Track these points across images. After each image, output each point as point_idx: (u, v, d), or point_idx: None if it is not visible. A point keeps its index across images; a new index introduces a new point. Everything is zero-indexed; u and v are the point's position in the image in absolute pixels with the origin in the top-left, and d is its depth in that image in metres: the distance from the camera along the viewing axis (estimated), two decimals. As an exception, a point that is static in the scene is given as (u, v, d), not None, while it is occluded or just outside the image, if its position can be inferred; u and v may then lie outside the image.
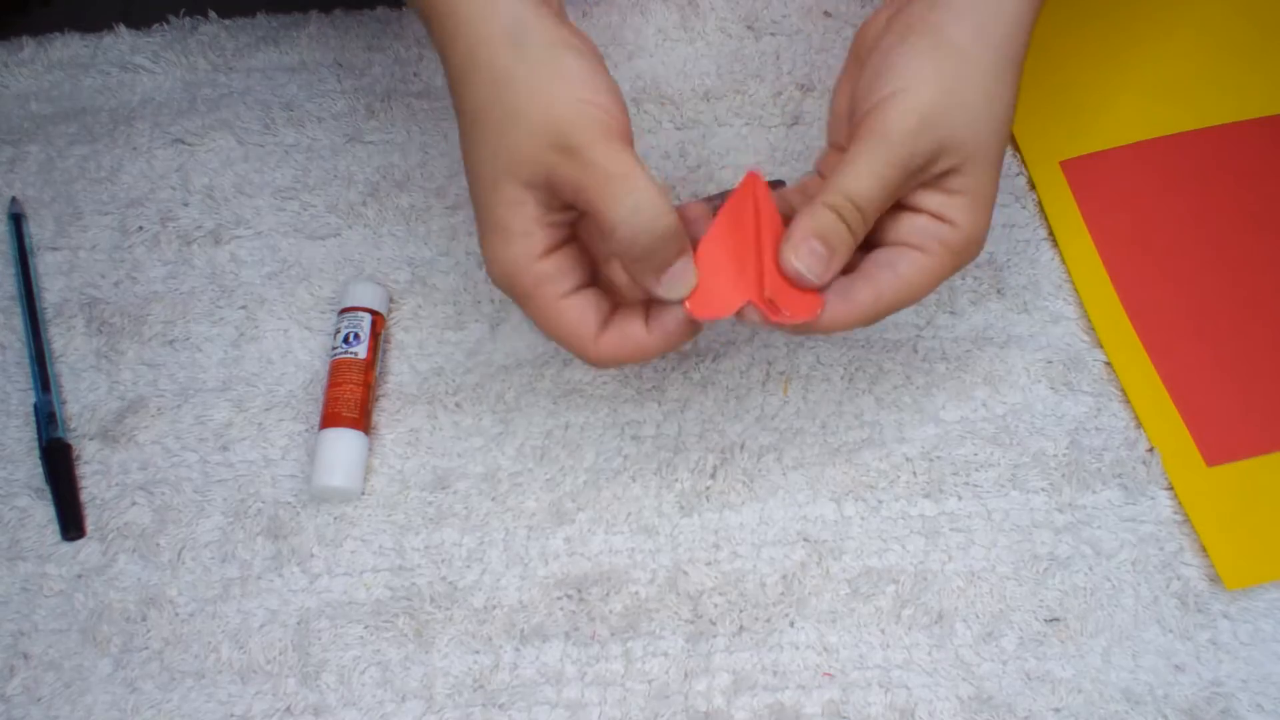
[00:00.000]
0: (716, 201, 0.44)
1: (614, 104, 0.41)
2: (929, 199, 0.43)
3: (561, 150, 0.40)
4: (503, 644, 0.49)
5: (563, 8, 0.44)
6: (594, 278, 0.44)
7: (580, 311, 0.42)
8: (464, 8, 0.41)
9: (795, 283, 0.42)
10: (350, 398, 0.52)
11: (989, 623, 0.48)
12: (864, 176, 0.41)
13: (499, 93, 0.41)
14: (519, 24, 0.41)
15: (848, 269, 0.43)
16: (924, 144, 0.41)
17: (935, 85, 0.41)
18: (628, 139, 0.41)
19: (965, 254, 0.43)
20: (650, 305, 0.43)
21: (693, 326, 0.42)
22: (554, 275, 0.42)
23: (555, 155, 0.40)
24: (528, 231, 0.41)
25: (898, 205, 0.43)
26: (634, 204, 0.39)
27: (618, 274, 0.43)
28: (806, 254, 0.41)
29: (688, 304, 0.42)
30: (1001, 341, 0.54)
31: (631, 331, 0.42)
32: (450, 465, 0.52)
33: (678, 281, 0.41)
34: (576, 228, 0.44)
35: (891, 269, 0.42)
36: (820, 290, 0.42)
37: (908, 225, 0.43)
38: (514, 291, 0.42)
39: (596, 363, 0.43)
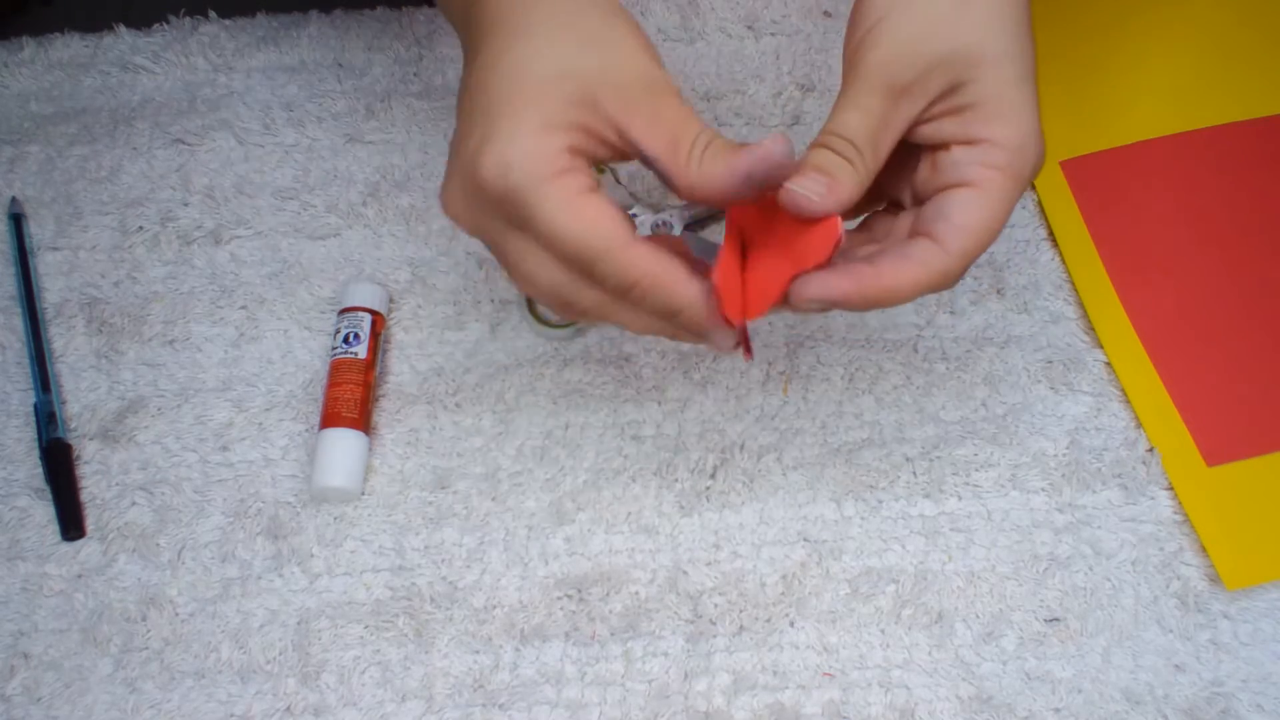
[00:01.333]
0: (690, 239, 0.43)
1: None
2: (947, 126, 0.40)
3: (650, 91, 0.39)
4: (503, 644, 0.49)
5: None
6: None
7: (609, 207, 0.38)
8: None
9: (797, 212, 0.38)
10: (350, 398, 0.52)
11: (989, 623, 0.48)
12: (846, 110, 0.40)
13: (599, 13, 0.39)
14: None
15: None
16: (903, 65, 0.39)
17: (911, 7, 0.40)
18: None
19: (1019, 166, 0.40)
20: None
21: (740, 334, 0.40)
22: (580, 169, 0.38)
23: (645, 95, 0.39)
24: (569, 128, 0.38)
25: (926, 149, 0.41)
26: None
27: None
28: (802, 180, 0.38)
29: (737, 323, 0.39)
30: (1001, 341, 0.54)
31: (675, 263, 0.38)
32: (450, 465, 0.52)
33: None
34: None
35: (945, 219, 0.40)
36: (826, 215, 0.39)
37: (943, 165, 0.40)
38: (527, 184, 0.37)
39: (624, 268, 0.38)
